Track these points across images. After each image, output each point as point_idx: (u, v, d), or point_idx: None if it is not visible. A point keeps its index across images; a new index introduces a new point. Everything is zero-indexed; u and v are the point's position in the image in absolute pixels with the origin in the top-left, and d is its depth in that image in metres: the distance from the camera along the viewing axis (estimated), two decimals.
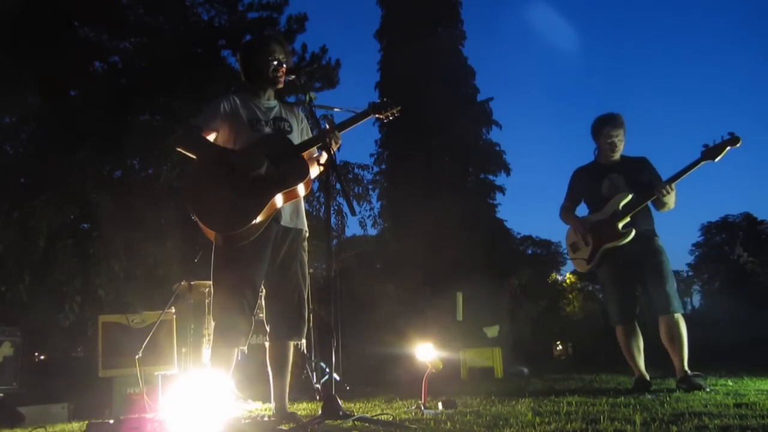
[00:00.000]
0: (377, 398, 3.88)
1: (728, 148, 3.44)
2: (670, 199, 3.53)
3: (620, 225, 3.56)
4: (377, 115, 2.76)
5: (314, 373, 4.72)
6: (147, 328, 4.14)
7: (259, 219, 2.53)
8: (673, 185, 3.47)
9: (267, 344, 2.74)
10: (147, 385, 3.96)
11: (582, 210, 3.88)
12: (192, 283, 4.46)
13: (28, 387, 4.94)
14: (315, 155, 2.72)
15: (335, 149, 2.60)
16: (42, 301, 6.54)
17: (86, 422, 3.01)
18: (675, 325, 3.41)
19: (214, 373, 2.60)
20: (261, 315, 2.81)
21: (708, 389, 3.17)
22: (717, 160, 3.45)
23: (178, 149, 2.71)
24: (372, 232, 12.11)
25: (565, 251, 4.02)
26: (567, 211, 3.86)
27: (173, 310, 4.40)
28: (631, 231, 3.53)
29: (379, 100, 2.79)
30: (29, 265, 6.49)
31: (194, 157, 2.68)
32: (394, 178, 17.21)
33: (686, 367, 3.35)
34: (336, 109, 2.95)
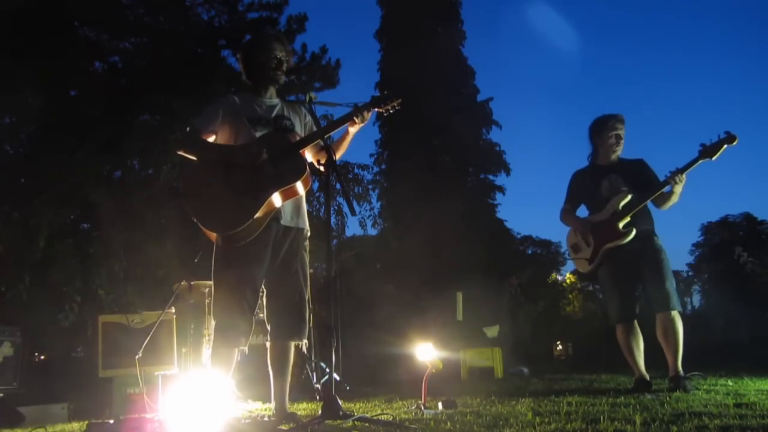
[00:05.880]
0: (377, 398, 3.88)
1: (725, 146, 3.47)
2: (678, 189, 3.52)
3: (621, 225, 3.57)
4: (378, 109, 2.75)
5: (314, 373, 4.72)
6: (147, 328, 4.13)
7: (256, 216, 2.52)
8: (684, 175, 3.48)
9: (268, 344, 2.74)
10: (147, 385, 3.95)
11: (582, 212, 3.89)
12: (192, 283, 4.46)
13: (28, 387, 4.93)
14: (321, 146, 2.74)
15: (359, 125, 2.74)
16: (42, 301, 6.54)
17: (86, 422, 3.01)
18: (671, 323, 3.41)
19: (214, 373, 2.60)
20: (261, 315, 2.81)
21: (694, 391, 3.16)
22: (714, 158, 3.47)
23: (179, 153, 2.71)
24: (372, 232, 12.10)
25: (566, 252, 4.02)
26: (567, 213, 3.87)
27: (173, 310, 4.40)
28: (631, 230, 3.53)
29: (378, 94, 2.80)
30: (29, 265, 6.48)
31: (195, 158, 2.67)
32: (394, 178, 17.17)
33: (679, 368, 3.36)
34: (338, 105, 2.95)
